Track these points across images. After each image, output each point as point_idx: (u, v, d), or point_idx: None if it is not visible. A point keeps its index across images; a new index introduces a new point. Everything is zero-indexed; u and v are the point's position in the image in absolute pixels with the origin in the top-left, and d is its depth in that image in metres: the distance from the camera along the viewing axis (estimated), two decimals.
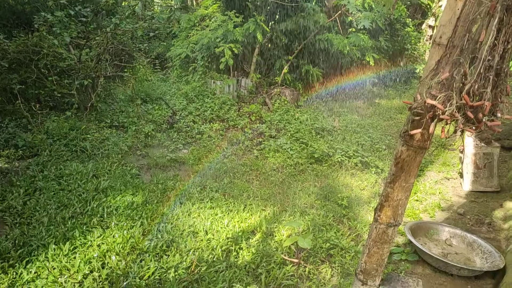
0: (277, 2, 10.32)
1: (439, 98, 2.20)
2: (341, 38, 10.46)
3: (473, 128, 2.22)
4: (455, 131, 2.36)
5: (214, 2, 12.09)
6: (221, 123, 9.10)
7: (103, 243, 4.19)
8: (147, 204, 5.19)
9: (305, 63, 11.20)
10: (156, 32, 14.68)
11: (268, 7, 10.62)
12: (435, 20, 16.44)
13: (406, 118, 2.57)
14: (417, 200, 6.09)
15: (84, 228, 4.45)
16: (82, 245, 4.16)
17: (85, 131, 7.20)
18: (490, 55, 2.04)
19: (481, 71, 2.06)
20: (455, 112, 2.16)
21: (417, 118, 2.38)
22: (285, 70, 10.85)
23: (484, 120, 2.16)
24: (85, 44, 8.68)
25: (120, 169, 6.26)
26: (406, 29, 14.39)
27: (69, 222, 4.51)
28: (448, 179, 6.94)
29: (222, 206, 5.33)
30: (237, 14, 10.26)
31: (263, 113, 9.68)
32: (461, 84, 2.15)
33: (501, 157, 6.81)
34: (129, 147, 7.26)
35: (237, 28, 9.92)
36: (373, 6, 11.16)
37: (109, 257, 3.99)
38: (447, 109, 2.17)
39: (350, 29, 11.53)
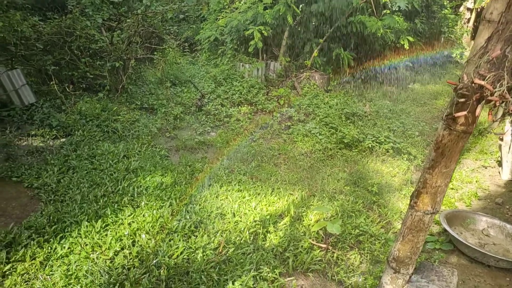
0: None
1: (488, 78, 2.05)
2: (374, 20, 10.07)
3: None
4: (503, 114, 2.20)
5: None
6: (249, 107, 9.04)
7: (133, 222, 4.27)
8: (176, 185, 5.24)
9: (336, 47, 10.88)
10: (186, 14, 14.65)
11: None
12: (474, 2, 15.58)
13: (449, 100, 2.42)
14: (452, 189, 5.86)
15: (116, 206, 4.55)
16: (114, 223, 4.26)
17: (116, 113, 7.33)
18: None
19: None
20: (505, 93, 2.01)
21: (462, 100, 2.23)
22: (315, 53, 10.60)
23: None
24: (117, 26, 8.76)
25: (150, 150, 6.36)
26: (443, 11, 13.70)
27: (101, 200, 4.62)
28: (486, 168, 6.63)
29: (250, 189, 5.31)
30: None
31: (291, 97, 9.53)
32: None
33: None
34: (158, 129, 7.35)
35: (267, 10, 9.73)
36: None
37: (139, 235, 4.06)
38: (496, 89, 2.02)
39: (385, 11, 11.07)
